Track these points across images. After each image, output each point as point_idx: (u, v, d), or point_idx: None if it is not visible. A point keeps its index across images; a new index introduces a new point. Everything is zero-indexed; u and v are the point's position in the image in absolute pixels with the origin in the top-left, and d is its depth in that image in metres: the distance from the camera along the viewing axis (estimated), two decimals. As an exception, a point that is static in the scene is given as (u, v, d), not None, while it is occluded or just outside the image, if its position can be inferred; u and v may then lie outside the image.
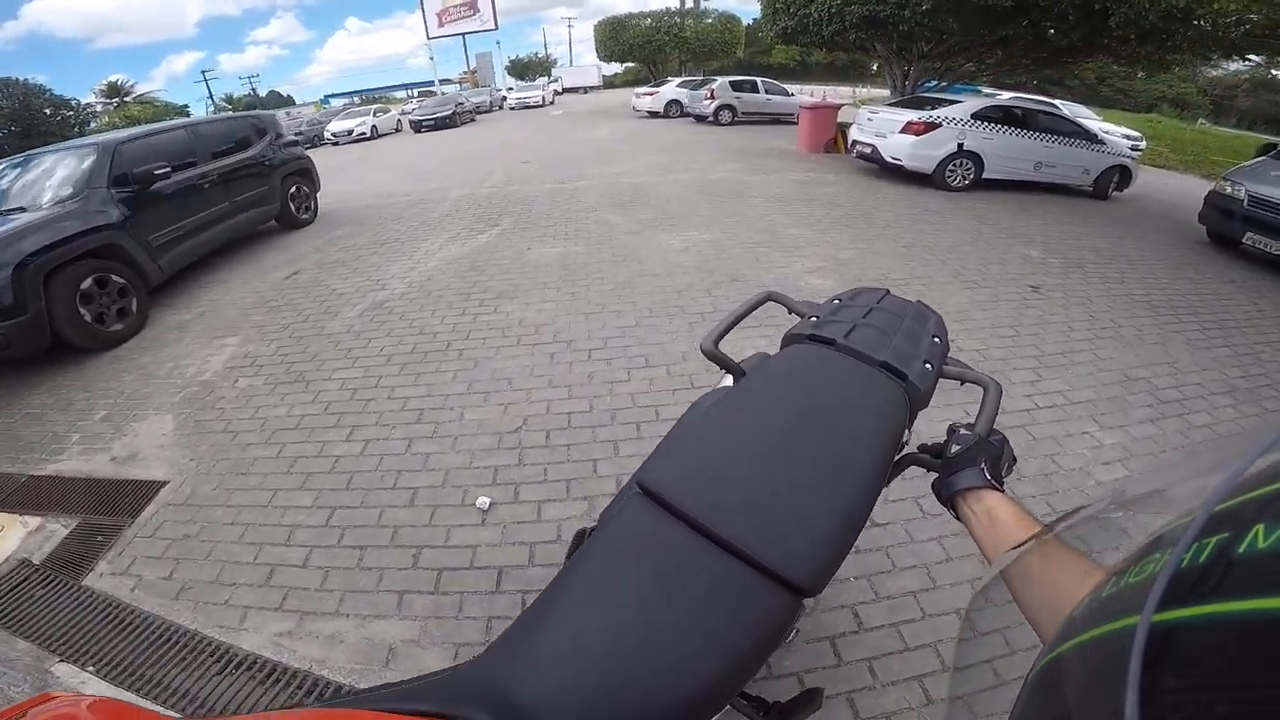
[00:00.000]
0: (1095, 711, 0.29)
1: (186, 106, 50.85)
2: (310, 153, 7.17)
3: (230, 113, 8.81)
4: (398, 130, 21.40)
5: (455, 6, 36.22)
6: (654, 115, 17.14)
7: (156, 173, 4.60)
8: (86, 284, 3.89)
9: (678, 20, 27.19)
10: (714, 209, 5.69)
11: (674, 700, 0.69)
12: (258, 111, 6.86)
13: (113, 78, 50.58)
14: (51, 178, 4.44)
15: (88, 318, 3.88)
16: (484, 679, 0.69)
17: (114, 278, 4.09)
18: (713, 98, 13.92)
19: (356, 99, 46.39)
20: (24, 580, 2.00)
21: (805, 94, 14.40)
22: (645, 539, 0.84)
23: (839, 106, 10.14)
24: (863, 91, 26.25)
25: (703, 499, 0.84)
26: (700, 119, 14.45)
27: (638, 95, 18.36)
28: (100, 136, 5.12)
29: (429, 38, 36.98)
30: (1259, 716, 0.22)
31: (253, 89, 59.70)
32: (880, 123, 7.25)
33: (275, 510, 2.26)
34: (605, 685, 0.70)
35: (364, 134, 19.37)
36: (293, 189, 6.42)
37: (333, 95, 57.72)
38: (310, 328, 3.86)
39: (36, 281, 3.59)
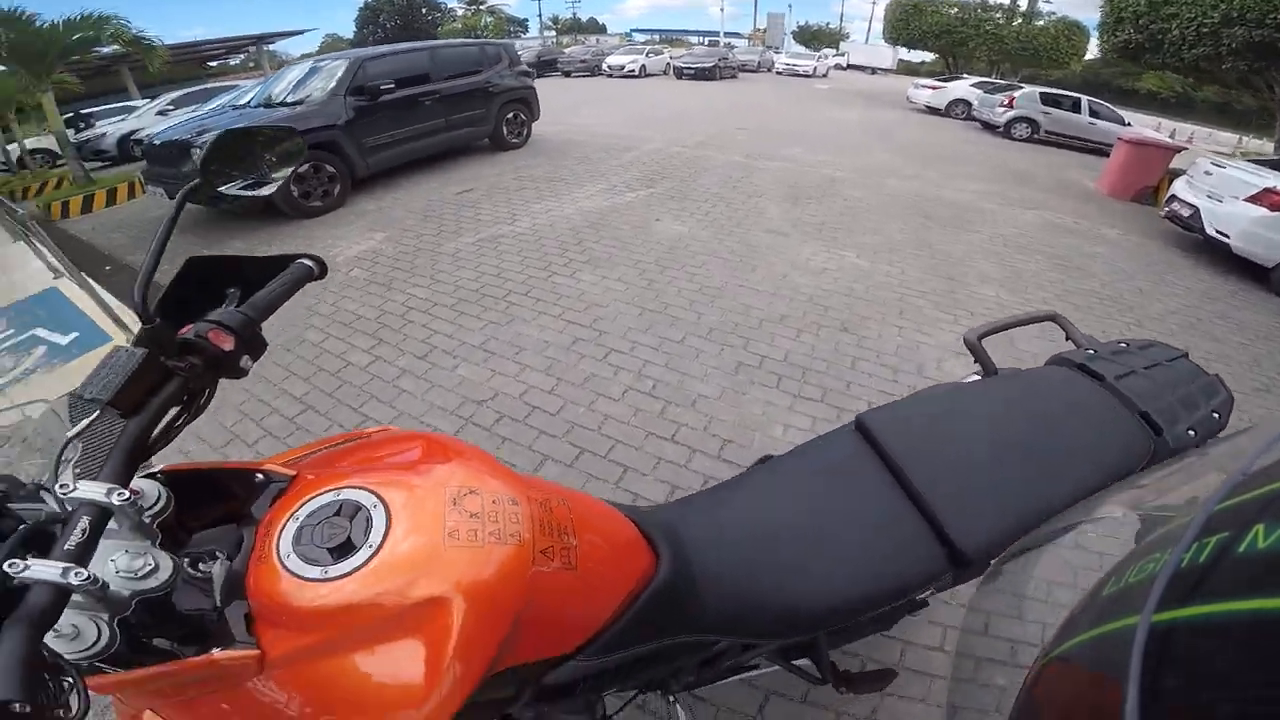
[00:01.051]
0: (1095, 712, 0.30)
1: (526, 20, 59.74)
2: (582, 81, 7.87)
3: (483, 39, 9.99)
4: (664, 73, 22.29)
5: None
6: (932, 111, 14.78)
7: (382, 88, 5.59)
8: (304, 168, 4.94)
9: (996, 16, 22.76)
10: (905, 233, 4.63)
11: (807, 598, 0.85)
12: (497, 40, 7.70)
13: None
14: (318, 81, 5.67)
15: (295, 193, 5.00)
16: (667, 520, 0.86)
17: (326, 167, 5.21)
18: (1010, 106, 11.38)
19: (657, 37, 49.41)
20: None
21: (1150, 129, 10.73)
22: (840, 464, 1.00)
23: (1178, 150, 7.36)
24: (1253, 143, 18.31)
25: (910, 451, 0.97)
26: (989, 127, 11.98)
27: (916, 86, 16.01)
28: (358, 51, 6.33)
29: None
30: (1259, 716, 0.22)
31: (574, 13, 67.05)
32: (1222, 180, 5.00)
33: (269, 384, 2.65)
34: (756, 561, 0.87)
35: (633, 71, 20.78)
36: (510, 115, 7.14)
37: (639, 30, 62.44)
38: (433, 243, 4.33)
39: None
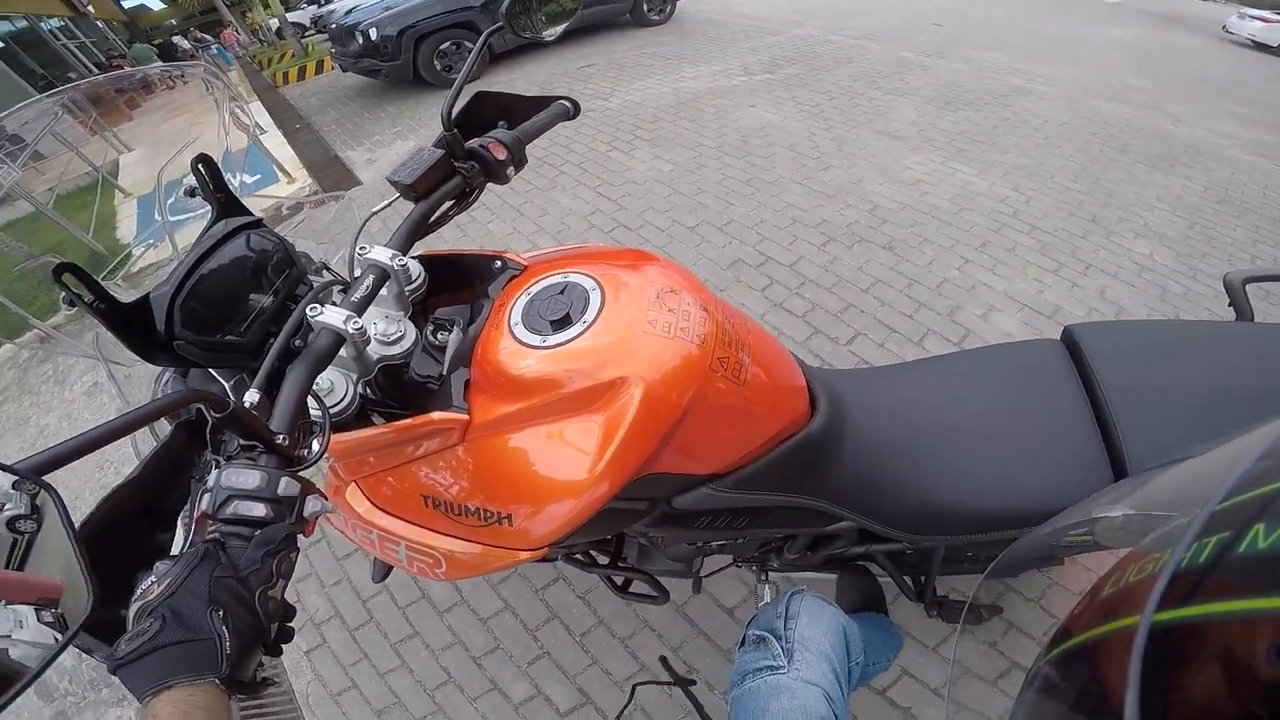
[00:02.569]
0: (1095, 711, 0.30)
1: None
2: None
3: None
4: None
5: None
6: (1260, 47, 10.82)
7: None
8: (445, 45, 5.57)
9: None
10: (1071, 160, 3.56)
11: (949, 496, 0.84)
12: None
13: None
14: None
15: (438, 67, 5.63)
16: (833, 382, 0.87)
17: (465, 44, 5.66)
18: None
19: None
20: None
21: None
22: (1032, 368, 0.95)
23: None
24: None
25: (1115, 374, 0.90)
26: None
27: (1241, 16, 11.65)
28: None
29: None
30: (1261, 716, 0.22)
31: None
32: None
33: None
34: (910, 445, 0.87)
35: None
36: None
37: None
38: None
39: (410, 41, 5.45)
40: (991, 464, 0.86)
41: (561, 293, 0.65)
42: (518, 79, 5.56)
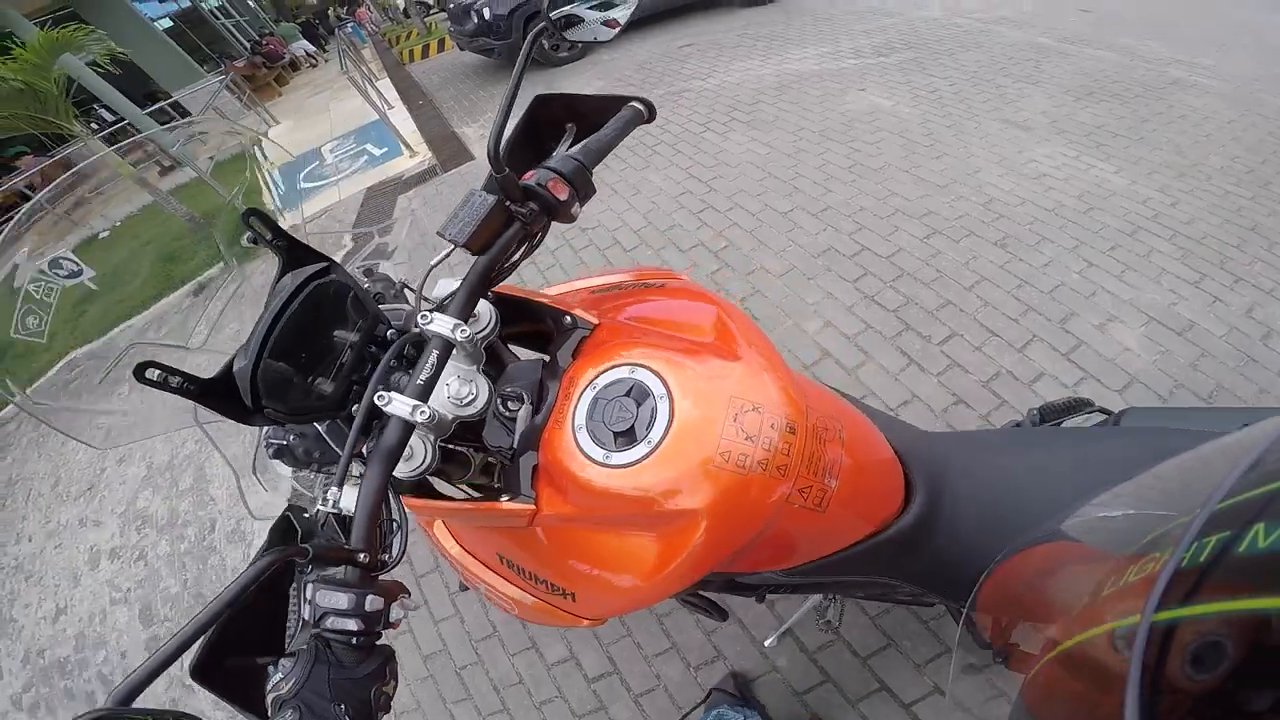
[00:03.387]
0: (1095, 711, 0.31)
1: None
2: None
3: None
4: None
5: None
6: None
7: None
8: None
9: None
10: (1236, 161, 3.11)
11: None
12: None
13: None
14: None
15: (546, 46, 5.82)
16: (940, 454, 0.84)
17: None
18: None
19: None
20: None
21: None
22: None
23: None
24: None
25: None
26: None
27: None
28: None
29: None
30: (1261, 716, 0.22)
31: None
32: None
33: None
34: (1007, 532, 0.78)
35: None
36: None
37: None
38: (634, 91, 4.66)
39: (520, 20, 5.78)
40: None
41: (628, 393, 0.61)
42: (619, 59, 5.64)
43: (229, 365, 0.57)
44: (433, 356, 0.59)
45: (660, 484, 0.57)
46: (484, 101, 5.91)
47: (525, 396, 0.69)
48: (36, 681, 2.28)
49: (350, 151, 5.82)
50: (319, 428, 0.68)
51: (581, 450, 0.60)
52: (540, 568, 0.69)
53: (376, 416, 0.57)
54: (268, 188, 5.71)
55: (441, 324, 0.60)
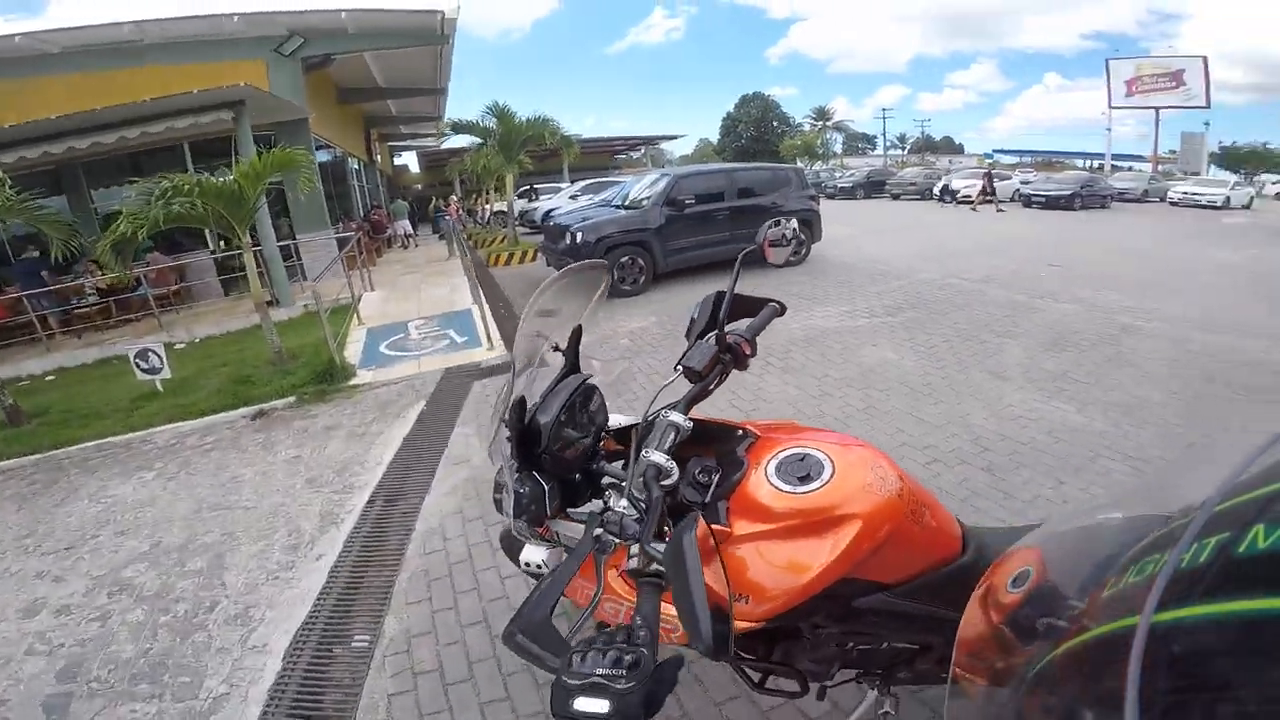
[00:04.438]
0: (1095, 711, 0.32)
1: (874, 137, 63.17)
2: (905, 205, 9.20)
3: (776, 165, 11.94)
4: (1010, 199, 20.71)
5: (1152, 77, 32.96)
6: None
7: (686, 202, 7.77)
8: (625, 259, 7.43)
9: None
10: (1167, 401, 4.02)
11: None
12: (785, 165, 9.41)
13: (830, 103, 67.68)
14: (649, 188, 8.21)
15: (616, 277, 7.42)
16: (979, 533, 1.24)
17: (639, 260, 7.53)
18: None
19: (1027, 159, 45.98)
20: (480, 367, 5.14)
21: None
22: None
23: None
24: None
25: None
26: None
27: None
28: (679, 169, 8.97)
29: (1109, 106, 35.50)
30: (1259, 716, 0.23)
31: (923, 132, 68.11)
32: None
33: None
34: None
35: (968, 197, 20.02)
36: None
37: (1001, 151, 58.91)
38: (682, 328, 6.07)
39: (601, 250, 7.29)
40: None
41: (801, 460, 1.07)
42: (670, 299, 7.16)
43: (535, 417, 1.10)
44: (671, 433, 1.08)
45: (832, 501, 1.01)
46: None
47: (715, 469, 1.16)
48: None
49: (434, 333, 6.62)
50: (545, 487, 1.09)
51: (776, 487, 1.04)
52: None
53: (596, 494, 1.15)
54: (347, 343, 6.29)
55: (677, 417, 1.12)
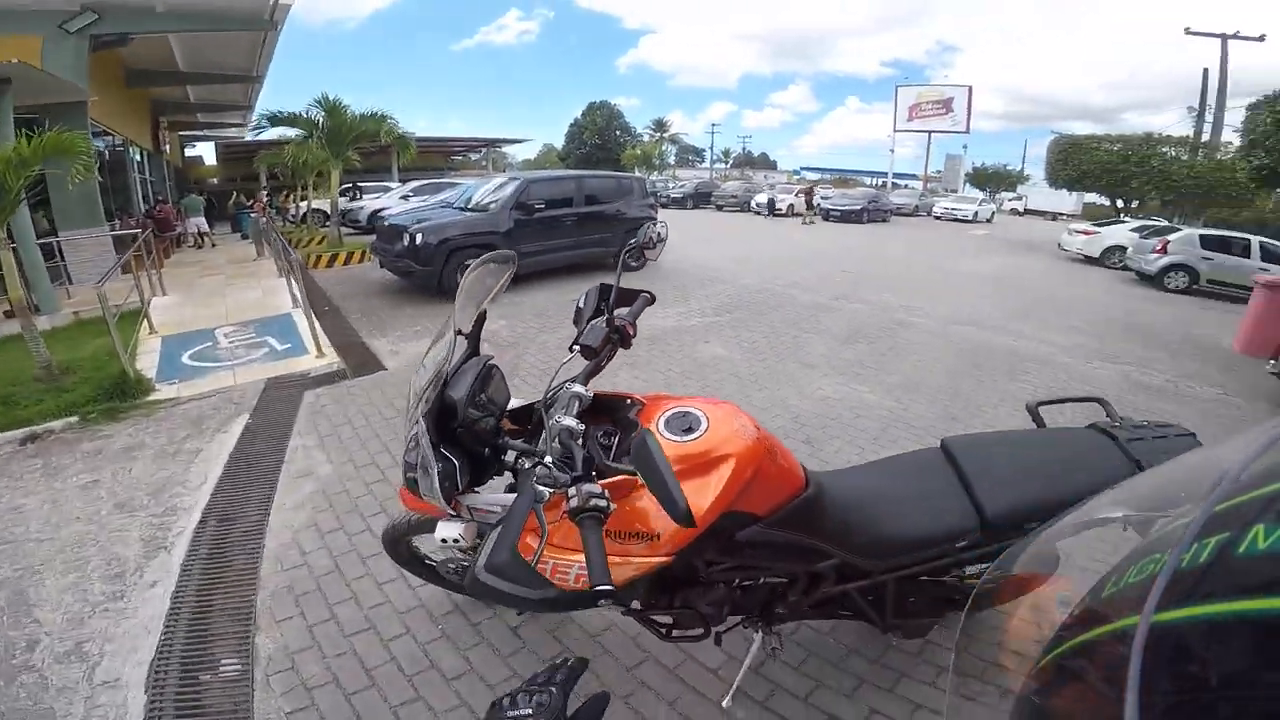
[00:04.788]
0: (1095, 711, 0.33)
1: (704, 151, 68.33)
2: (729, 216, 9.83)
3: (622, 174, 12.10)
4: (806, 212, 23.83)
5: (929, 104, 38.60)
6: (1088, 260, 14.38)
7: (536, 207, 7.77)
8: (469, 261, 7.18)
9: (1165, 151, 20.58)
10: (935, 374, 5.16)
11: (891, 534, 1.50)
12: (629, 174, 9.94)
13: (669, 115, 71.75)
14: (496, 191, 8.04)
15: (459, 280, 7.19)
16: (824, 480, 1.52)
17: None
18: (1163, 252, 10.88)
19: (828, 176, 53.32)
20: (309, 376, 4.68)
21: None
22: (923, 463, 1.73)
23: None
24: None
25: (972, 460, 1.65)
26: (1144, 277, 11.48)
27: (1070, 232, 15.66)
28: (529, 173, 8.91)
29: (894, 129, 40.66)
30: (1259, 716, 0.24)
31: (744, 148, 75.54)
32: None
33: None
34: (864, 506, 1.55)
35: (780, 210, 22.98)
36: (626, 246, 9.08)
37: (809, 168, 67.77)
38: (533, 333, 6.05)
39: (443, 253, 6.98)
40: (911, 515, 1.53)
41: (683, 416, 1.35)
42: (522, 304, 7.13)
43: (440, 396, 1.31)
44: (575, 405, 1.38)
45: (711, 445, 1.28)
46: (392, 320, 6.66)
47: (613, 434, 1.50)
48: None
49: (248, 341, 5.93)
50: (456, 464, 1.32)
51: (666, 437, 1.30)
52: (629, 524, 1.27)
53: (498, 472, 1.42)
54: (138, 354, 5.37)
55: (578, 389, 1.43)
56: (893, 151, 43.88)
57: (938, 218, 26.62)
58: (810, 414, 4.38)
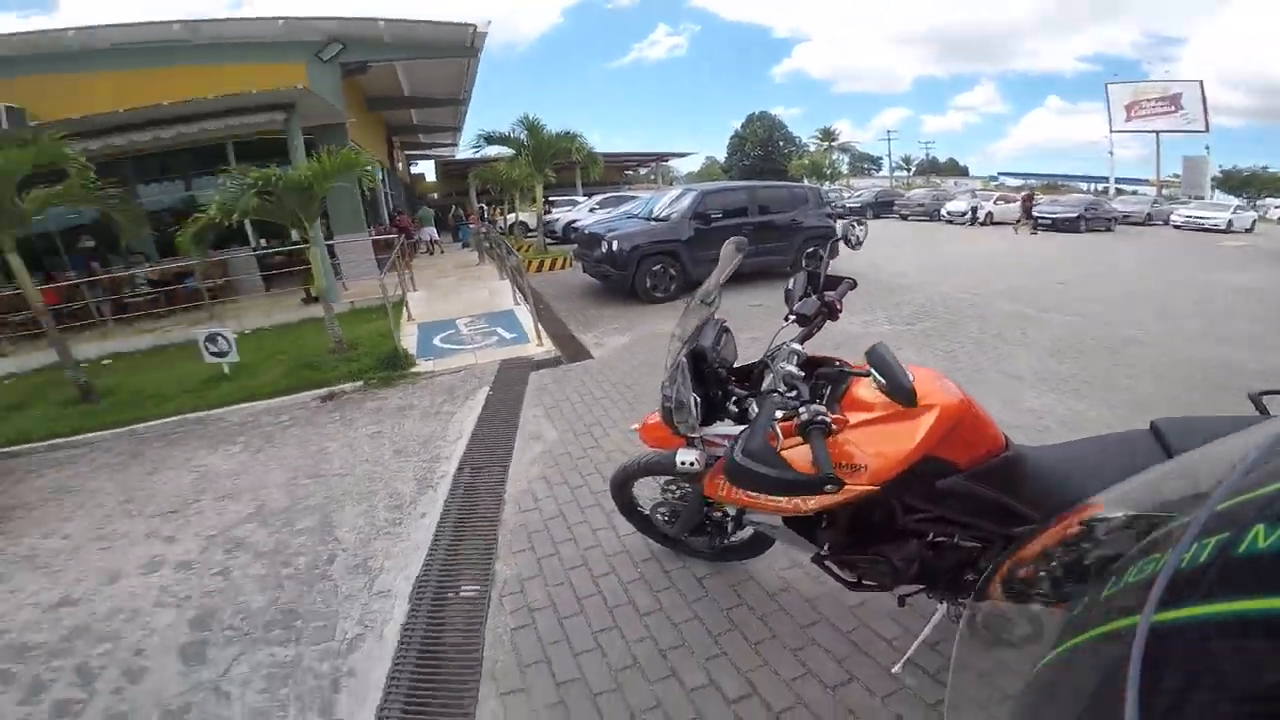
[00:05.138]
0: (1096, 711, 0.33)
1: (880, 158, 64.44)
2: (914, 225, 9.83)
3: (795, 184, 12.61)
4: (1019, 222, 21.25)
5: (1150, 101, 33.48)
6: None
7: (712, 216, 8.28)
8: (657, 267, 7.94)
9: None
10: (1159, 391, 4.44)
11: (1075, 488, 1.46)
12: (802, 184, 9.89)
13: (835, 123, 69.68)
14: (675, 202, 8.71)
15: (648, 284, 7.98)
16: (1025, 450, 1.67)
17: (670, 269, 8.01)
18: None
19: (1032, 181, 47.13)
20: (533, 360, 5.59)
21: None
22: (1130, 445, 1.67)
23: None
24: None
25: (1183, 447, 1.52)
26: None
27: None
28: (703, 185, 9.53)
29: (1111, 130, 35.88)
30: (1259, 716, 0.24)
31: (928, 154, 69.40)
32: None
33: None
34: (1064, 476, 1.57)
35: (976, 218, 21.28)
36: (810, 250, 9.12)
37: (1007, 174, 60.04)
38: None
39: (635, 259, 7.82)
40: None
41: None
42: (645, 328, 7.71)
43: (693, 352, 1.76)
44: (795, 359, 1.69)
45: (919, 397, 1.38)
46: (595, 319, 7.60)
47: (824, 385, 1.71)
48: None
49: (482, 329, 7.14)
50: (697, 400, 1.67)
51: (879, 389, 1.40)
52: (838, 459, 1.42)
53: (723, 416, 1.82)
54: (401, 337, 6.63)
55: (795, 346, 1.73)
56: (1111, 154, 37.78)
57: (1177, 227, 22.26)
58: (1013, 427, 4.17)
